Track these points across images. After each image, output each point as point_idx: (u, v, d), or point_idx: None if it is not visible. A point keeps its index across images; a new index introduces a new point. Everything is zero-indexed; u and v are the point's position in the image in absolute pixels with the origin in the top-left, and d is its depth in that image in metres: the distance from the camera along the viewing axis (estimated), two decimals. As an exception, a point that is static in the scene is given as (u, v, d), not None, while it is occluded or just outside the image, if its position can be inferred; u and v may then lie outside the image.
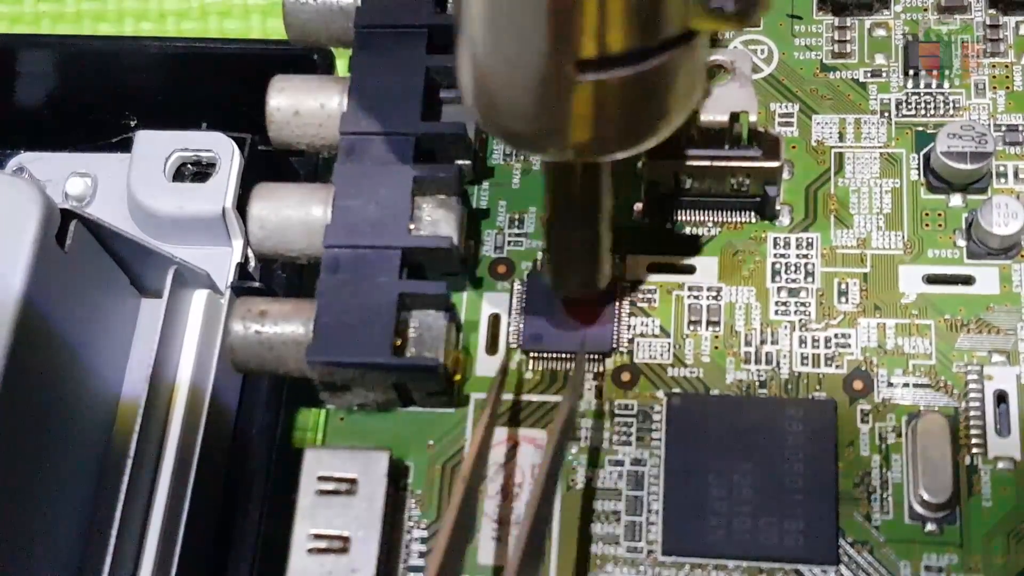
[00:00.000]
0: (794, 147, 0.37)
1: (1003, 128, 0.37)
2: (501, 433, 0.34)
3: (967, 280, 0.35)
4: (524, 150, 0.29)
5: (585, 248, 0.32)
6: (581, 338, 0.34)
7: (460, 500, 0.30)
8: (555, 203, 0.31)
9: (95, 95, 0.41)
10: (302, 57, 0.38)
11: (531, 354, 0.35)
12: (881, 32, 0.38)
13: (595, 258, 0.33)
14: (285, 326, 0.32)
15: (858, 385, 0.34)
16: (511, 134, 0.29)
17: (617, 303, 0.35)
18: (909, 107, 0.37)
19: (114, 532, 0.32)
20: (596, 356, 0.35)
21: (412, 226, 0.33)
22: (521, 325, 0.35)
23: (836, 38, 0.38)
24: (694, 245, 0.36)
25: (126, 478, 0.33)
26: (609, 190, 0.31)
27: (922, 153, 0.36)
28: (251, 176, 0.37)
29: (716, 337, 0.35)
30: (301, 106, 0.35)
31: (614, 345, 0.35)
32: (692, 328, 0.35)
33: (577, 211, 0.31)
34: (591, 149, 0.28)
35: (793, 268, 0.35)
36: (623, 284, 0.35)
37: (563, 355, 0.35)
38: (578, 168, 0.30)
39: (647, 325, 0.35)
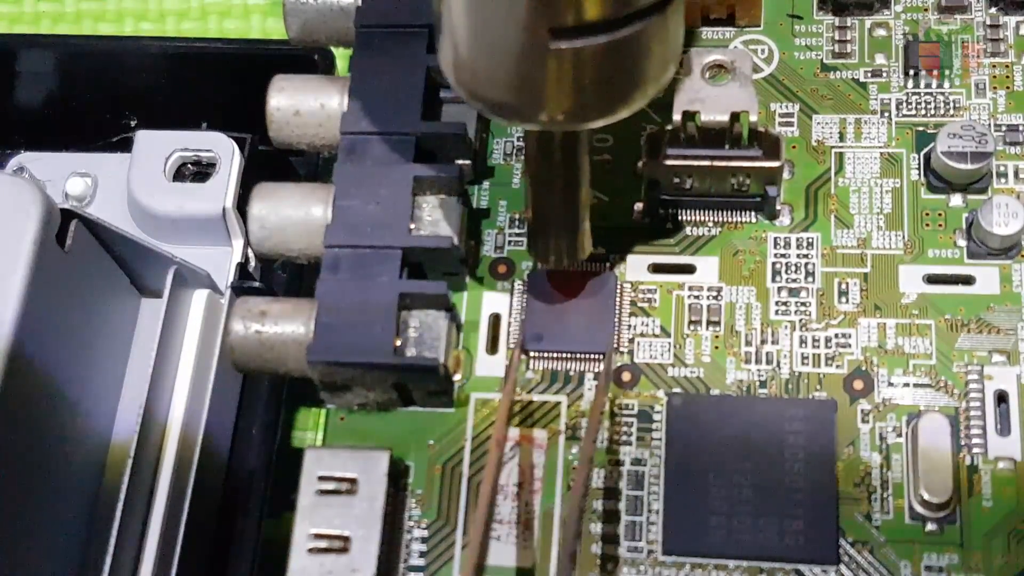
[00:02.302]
0: (794, 147, 0.37)
1: (1003, 128, 0.37)
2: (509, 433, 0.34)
3: (967, 280, 0.35)
4: (503, 119, 0.29)
5: (565, 216, 0.33)
6: (608, 344, 0.34)
7: (496, 468, 0.30)
8: (535, 171, 0.32)
9: (95, 95, 0.41)
10: (302, 57, 0.38)
11: (532, 354, 0.35)
12: (881, 32, 0.38)
13: (575, 226, 0.33)
14: (285, 326, 0.32)
15: (858, 385, 0.34)
16: (490, 103, 0.29)
17: (617, 302, 0.35)
18: (909, 107, 0.37)
19: (115, 530, 0.32)
20: (598, 356, 0.35)
21: (412, 226, 0.33)
22: (522, 322, 0.35)
23: (836, 38, 0.38)
24: (694, 245, 0.36)
25: (126, 479, 0.33)
26: (587, 158, 0.31)
27: (922, 153, 0.36)
28: (251, 176, 0.37)
29: (716, 337, 0.35)
30: (301, 106, 0.35)
31: (615, 345, 0.35)
32: (692, 328, 0.35)
33: (557, 179, 0.32)
34: (568, 117, 0.29)
35: (793, 268, 0.35)
36: (623, 283, 0.35)
37: (564, 355, 0.35)
38: (557, 136, 0.30)
39: (647, 325, 0.35)
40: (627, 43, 0.27)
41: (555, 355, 0.35)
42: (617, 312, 0.35)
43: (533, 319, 0.35)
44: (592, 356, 0.35)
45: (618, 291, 0.35)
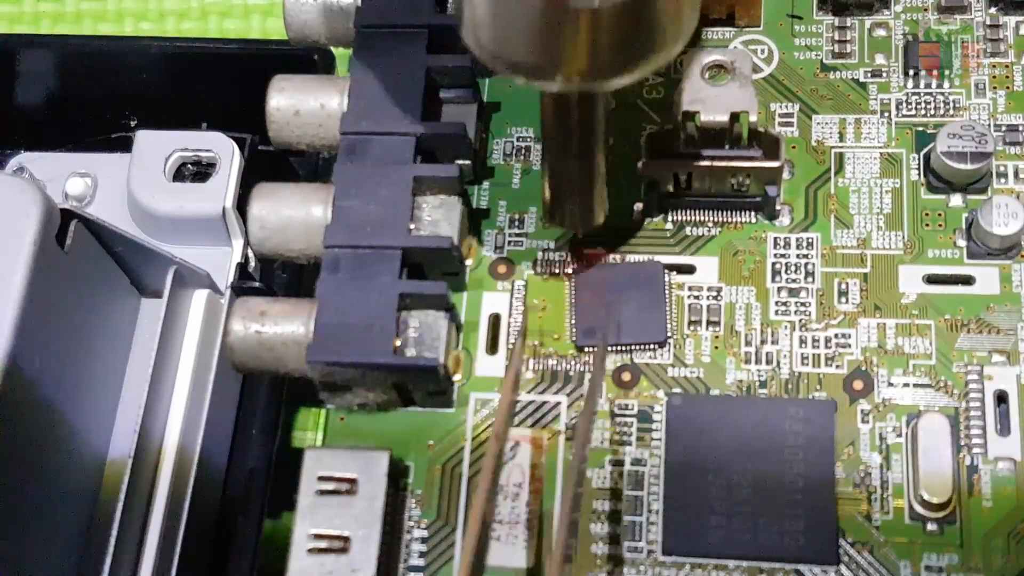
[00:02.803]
0: (794, 147, 0.37)
1: (1003, 128, 0.37)
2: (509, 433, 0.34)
3: (967, 280, 0.35)
4: (521, 79, 0.29)
5: (580, 179, 0.33)
6: (601, 336, 0.34)
7: (496, 460, 0.30)
8: (552, 132, 0.32)
9: (95, 95, 0.41)
10: (302, 57, 0.38)
11: (585, 349, 0.35)
12: (881, 32, 0.38)
13: (590, 190, 0.33)
14: (285, 326, 0.32)
15: (858, 385, 0.34)
16: (509, 63, 0.29)
17: (666, 291, 0.35)
18: (909, 107, 0.37)
19: (114, 530, 0.32)
20: (652, 346, 0.35)
21: (412, 226, 0.33)
22: (572, 321, 0.35)
23: (836, 38, 0.38)
24: (694, 245, 0.36)
25: (126, 479, 0.33)
26: (604, 120, 0.31)
27: (922, 153, 0.36)
28: (251, 176, 0.37)
29: (716, 337, 0.35)
30: (301, 106, 0.35)
31: (668, 335, 0.35)
32: (692, 328, 0.35)
33: (573, 141, 0.32)
34: (586, 77, 0.29)
35: (793, 268, 0.35)
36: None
37: (619, 347, 0.35)
38: (574, 97, 0.30)
39: (647, 325, 0.35)
40: (645, 1, 0.27)
41: (609, 348, 0.35)
42: (668, 299, 0.35)
43: (583, 315, 0.35)
44: (647, 346, 0.35)
45: (666, 279, 0.35)
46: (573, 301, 0.35)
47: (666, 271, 0.35)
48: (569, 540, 0.30)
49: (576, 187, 0.33)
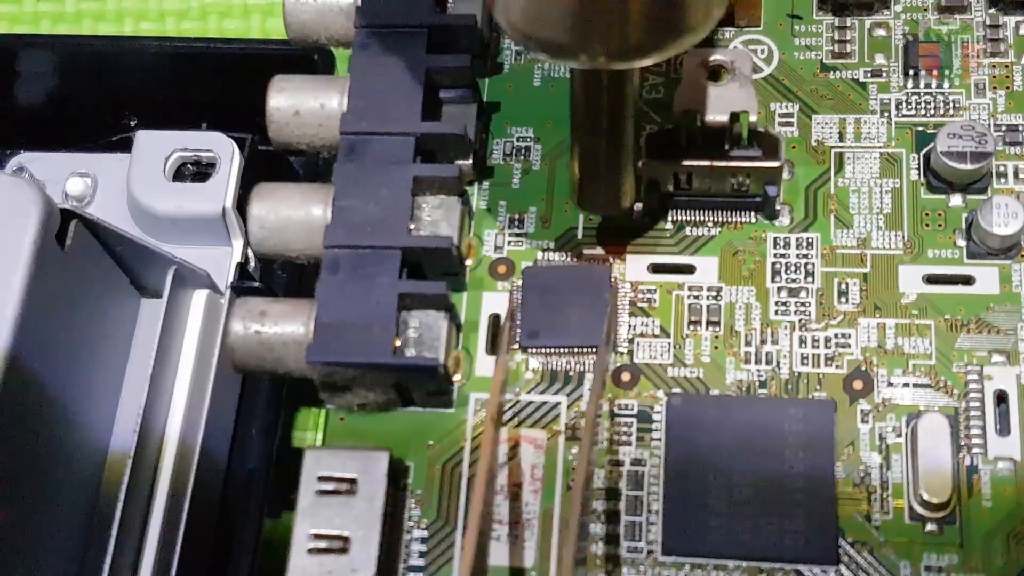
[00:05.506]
0: (794, 147, 0.37)
1: (1003, 128, 0.37)
2: (501, 433, 0.34)
3: (967, 280, 0.35)
4: (555, 58, 0.29)
5: (609, 161, 0.33)
6: (603, 335, 0.34)
7: (493, 445, 0.30)
8: (582, 111, 0.32)
9: (95, 95, 0.41)
10: (302, 57, 0.38)
11: (529, 350, 0.35)
12: (881, 32, 0.38)
13: (618, 172, 0.33)
14: (285, 326, 0.32)
15: (858, 385, 0.34)
16: (542, 42, 0.29)
17: (609, 295, 0.35)
18: (909, 107, 0.37)
19: (114, 530, 0.32)
20: (593, 350, 0.34)
21: (412, 226, 0.33)
22: (518, 322, 0.35)
23: (836, 38, 0.38)
24: (694, 245, 0.36)
25: (126, 479, 0.33)
26: (634, 101, 0.32)
27: (922, 153, 0.36)
28: (251, 176, 0.37)
29: (716, 337, 0.35)
30: (301, 106, 0.35)
31: (608, 341, 0.34)
32: (692, 328, 0.35)
33: (603, 119, 0.32)
34: (618, 56, 0.29)
35: (793, 268, 0.35)
36: (622, 284, 0.35)
37: (560, 350, 0.35)
38: (604, 76, 0.31)
39: (647, 325, 0.35)
40: None
41: (552, 351, 0.35)
42: (609, 305, 0.35)
43: (528, 315, 0.35)
44: (588, 351, 0.34)
45: (611, 283, 0.35)
46: (519, 303, 0.35)
47: (612, 277, 0.35)
48: (580, 543, 0.30)
49: (606, 168, 0.33)
